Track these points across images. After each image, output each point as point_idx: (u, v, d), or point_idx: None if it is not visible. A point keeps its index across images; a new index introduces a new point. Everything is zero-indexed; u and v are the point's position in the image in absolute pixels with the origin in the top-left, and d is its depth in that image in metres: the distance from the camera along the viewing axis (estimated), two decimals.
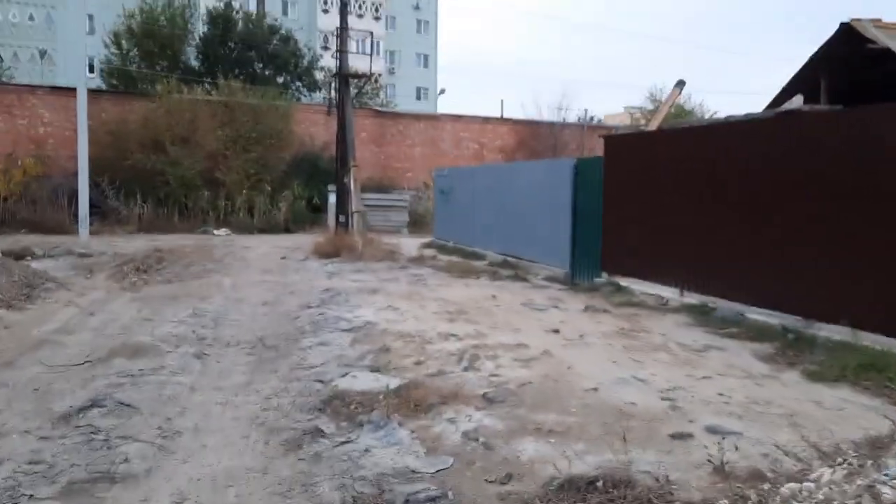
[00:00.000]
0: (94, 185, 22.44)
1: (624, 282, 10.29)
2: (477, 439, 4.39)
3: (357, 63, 22.37)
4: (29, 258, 14.56)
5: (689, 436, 4.33)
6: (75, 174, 21.90)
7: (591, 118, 38.35)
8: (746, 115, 16.74)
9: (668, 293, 9.40)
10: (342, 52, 18.11)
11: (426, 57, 67.65)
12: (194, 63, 32.10)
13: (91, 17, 47.73)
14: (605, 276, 10.96)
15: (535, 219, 13.25)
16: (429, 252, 16.30)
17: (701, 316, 8.22)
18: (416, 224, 26.12)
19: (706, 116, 33.22)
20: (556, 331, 7.48)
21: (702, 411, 4.81)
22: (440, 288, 10.84)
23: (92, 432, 4.60)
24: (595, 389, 5.28)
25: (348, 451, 4.34)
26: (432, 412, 4.88)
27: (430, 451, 4.28)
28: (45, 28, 50.43)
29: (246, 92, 25.57)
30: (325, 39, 59.09)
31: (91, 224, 21.79)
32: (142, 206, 22.56)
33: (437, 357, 6.49)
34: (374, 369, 6.18)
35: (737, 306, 8.21)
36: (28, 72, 45.67)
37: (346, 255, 15.15)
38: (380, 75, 22.77)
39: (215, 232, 22.33)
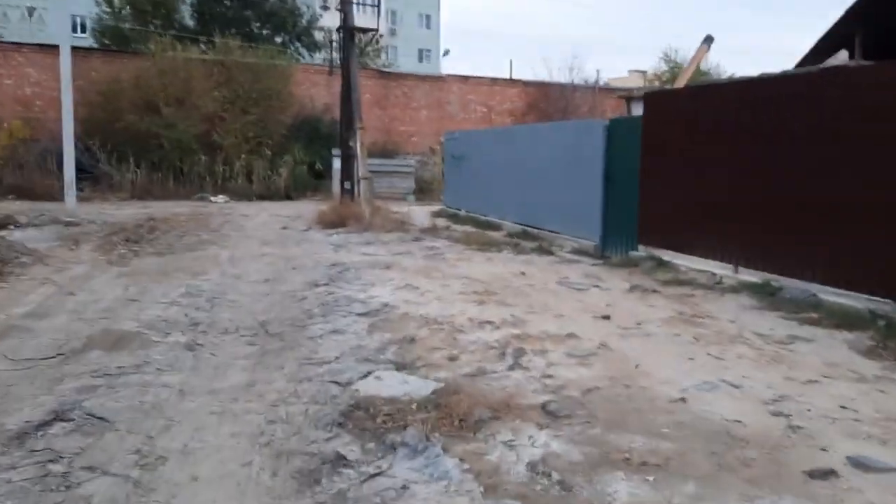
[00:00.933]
0: (84, 148, 21.32)
1: (665, 256, 9.24)
2: (549, 474, 3.36)
3: (358, 22, 21.03)
4: (11, 227, 13.50)
5: (832, 473, 3.30)
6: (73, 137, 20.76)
7: (596, 80, 36.94)
8: (783, 73, 15.56)
9: (720, 269, 8.36)
10: (347, 2, 16.78)
11: (428, 17, 65.70)
12: (189, 22, 30.74)
13: None
14: (641, 250, 9.91)
15: (559, 186, 12.16)
16: (441, 221, 15.24)
17: (766, 297, 7.18)
18: (422, 191, 25.04)
19: (723, 77, 31.78)
20: (607, 317, 6.44)
21: (830, 433, 3.79)
22: (460, 263, 9.79)
23: (50, 460, 3.58)
24: (683, 400, 4.25)
25: (381, 488, 3.33)
26: (483, 431, 3.86)
27: (488, 490, 3.27)
28: None
29: (244, 50, 24.24)
30: None
31: (81, 190, 20.67)
32: (135, 170, 21.38)
33: (474, 350, 5.46)
34: (401, 367, 5.16)
35: (806, 285, 7.17)
36: (18, 31, 44.04)
37: (352, 225, 14.10)
38: (381, 35, 21.38)
39: (212, 198, 21.24)
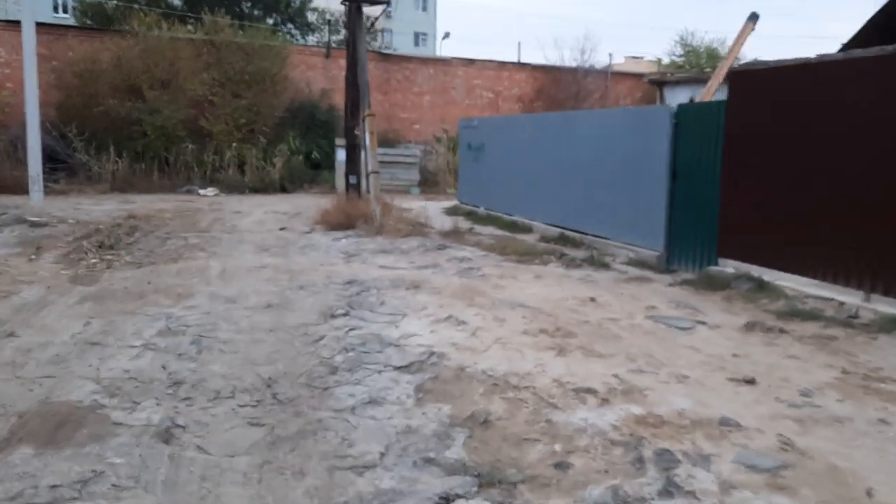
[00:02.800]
0: (59, 136, 19.38)
1: (764, 274, 7.46)
2: None
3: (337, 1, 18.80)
4: None
5: None
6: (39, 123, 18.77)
7: (609, 65, 34.97)
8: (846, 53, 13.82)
9: (843, 294, 6.61)
10: None
11: (424, 0, 63.55)
12: (176, 2, 28.76)
13: None
14: (722, 263, 8.16)
15: (609, 183, 10.37)
16: (462, 223, 13.40)
17: None
18: (427, 183, 23.33)
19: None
20: (750, 381, 4.66)
21: None
22: (506, 282, 7.99)
23: None
24: None
25: None
26: None
27: None
28: None
29: (234, 29, 22.24)
30: None
31: (56, 182, 18.75)
32: (115, 160, 19.40)
33: (588, 448, 3.68)
34: (486, 481, 3.37)
35: None
36: None
37: (361, 226, 12.28)
38: (390, 9, 18.91)
39: (201, 191, 19.32)
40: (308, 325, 6.28)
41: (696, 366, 4.97)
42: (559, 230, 11.56)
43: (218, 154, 20.54)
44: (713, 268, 8.21)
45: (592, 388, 4.46)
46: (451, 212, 15.66)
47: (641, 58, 42.92)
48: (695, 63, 31.68)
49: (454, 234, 11.65)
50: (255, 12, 29.91)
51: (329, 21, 31.28)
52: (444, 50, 42.02)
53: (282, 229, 12.72)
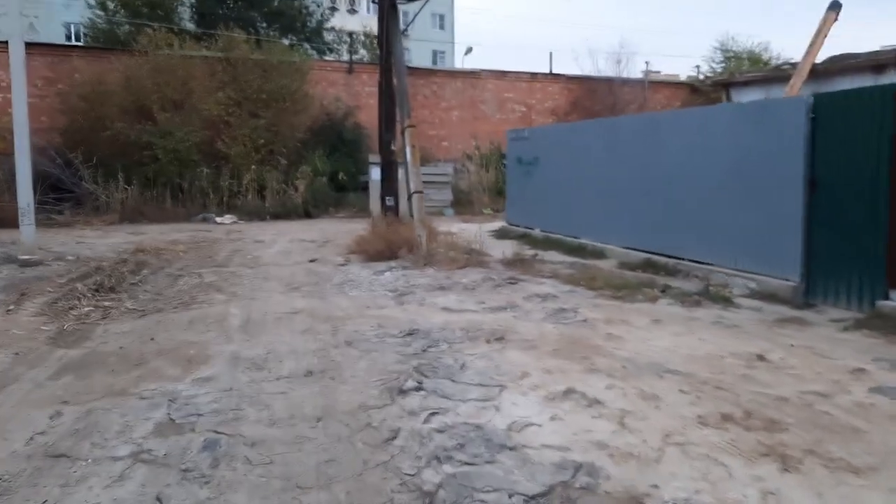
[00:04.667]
0: (65, 163, 17.80)
1: None
2: None
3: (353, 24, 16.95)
4: None
5: None
6: (41, 150, 17.19)
7: (646, 74, 33.02)
8: None
9: None
10: None
11: (442, 17, 62.28)
12: (189, 25, 27.40)
13: None
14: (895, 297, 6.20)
15: (710, 197, 8.46)
16: (518, 247, 11.48)
17: None
18: (460, 203, 21.59)
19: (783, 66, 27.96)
20: None
21: None
22: (619, 329, 6.05)
23: None
24: None
25: None
26: None
27: None
28: None
29: (251, 45, 20.64)
30: None
31: (61, 213, 17.17)
32: (125, 188, 17.74)
33: None
34: None
35: None
36: None
37: (405, 255, 10.42)
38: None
39: (217, 219, 17.60)
40: (369, 409, 4.37)
41: None
42: (644, 255, 9.63)
43: (235, 178, 18.84)
44: (887, 303, 6.23)
45: None
46: (501, 235, 13.78)
47: (658, 72, 40.86)
48: (735, 69, 29.83)
49: (520, 264, 9.72)
50: (272, 33, 28.50)
51: (351, 35, 29.80)
52: (469, 66, 40.13)
53: (311, 261, 10.88)
